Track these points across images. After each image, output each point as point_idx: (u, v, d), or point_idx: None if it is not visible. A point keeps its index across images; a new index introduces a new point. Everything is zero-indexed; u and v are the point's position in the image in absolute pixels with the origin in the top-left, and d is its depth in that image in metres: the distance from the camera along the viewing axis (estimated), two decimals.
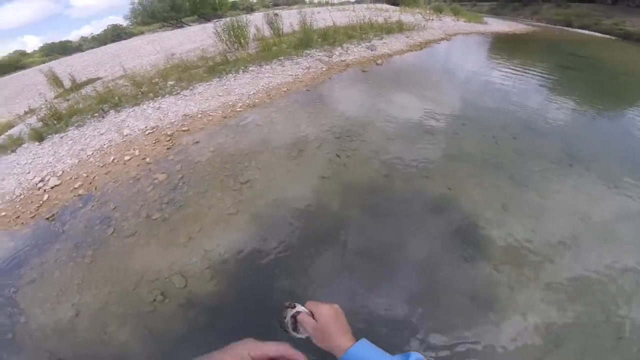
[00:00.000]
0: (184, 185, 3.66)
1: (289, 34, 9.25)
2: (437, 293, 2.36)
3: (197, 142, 4.37)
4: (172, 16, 27.69)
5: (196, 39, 12.73)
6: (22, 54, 51.20)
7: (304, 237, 2.86)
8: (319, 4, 24.06)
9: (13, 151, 5.79)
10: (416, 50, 8.87)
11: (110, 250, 3.14)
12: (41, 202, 4.30)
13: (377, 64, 7.45)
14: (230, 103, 5.27)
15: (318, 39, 8.58)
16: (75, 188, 4.28)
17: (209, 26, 11.00)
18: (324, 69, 6.94)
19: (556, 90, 6.35)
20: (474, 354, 2.02)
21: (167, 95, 5.57)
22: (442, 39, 10.52)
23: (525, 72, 7.32)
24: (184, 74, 6.23)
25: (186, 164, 3.99)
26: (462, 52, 9.99)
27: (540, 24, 19.49)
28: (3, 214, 4.40)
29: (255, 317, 2.27)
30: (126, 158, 4.38)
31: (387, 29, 10.01)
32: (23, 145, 5.75)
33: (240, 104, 5.30)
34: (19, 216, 4.35)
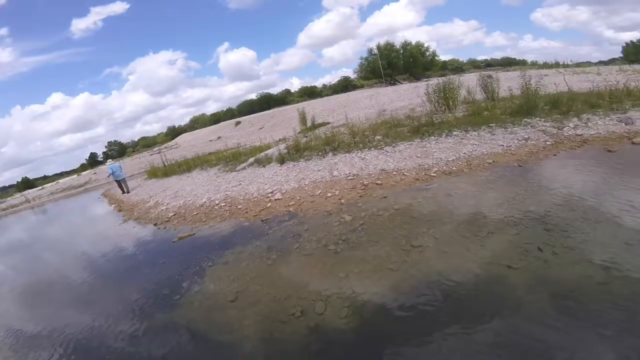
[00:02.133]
0: (362, 230, 4.08)
1: (505, 99, 8.50)
2: None
3: (385, 197, 4.76)
4: (388, 73, 31.63)
5: (405, 97, 13.97)
6: (288, 92, 73.82)
7: (453, 319, 2.52)
8: (547, 66, 20.20)
9: (263, 166, 8.39)
10: None
11: (288, 260, 3.88)
12: (265, 207, 5.95)
13: (632, 142, 5.49)
14: (426, 166, 5.41)
15: (545, 106, 7.37)
16: (288, 205, 5.66)
17: (419, 85, 11.79)
18: (548, 143, 5.85)
19: None
20: None
21: (372, 148, 6.43)
22: None
23: None
24: (390, 131, 6.99)
25: (370, 214, 4.42)
26: None
27: None
28: (239, 206, 6.41)
29: None
30: (328, 194, 5.39)
31: None
32: (271, 164, 8.21)
33: (436, 169, 5.34)
34: (247, 212, 6.19)
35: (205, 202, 7.21)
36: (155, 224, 7.18)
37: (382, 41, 32.49)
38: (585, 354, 2.07)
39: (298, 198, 5.78)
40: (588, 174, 4.73)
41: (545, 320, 2.37)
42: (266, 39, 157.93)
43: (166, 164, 14.73)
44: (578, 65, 19.97)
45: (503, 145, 5.89)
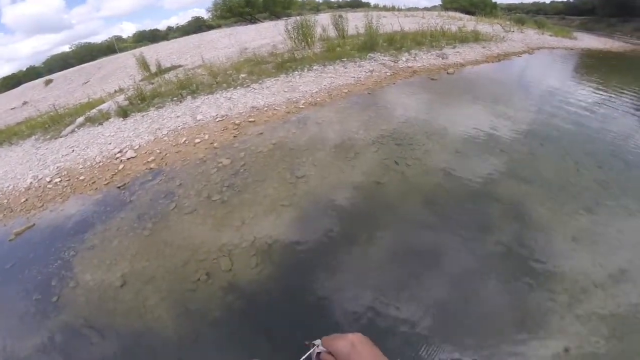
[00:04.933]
0: (245, 172, 3.85)
1: (353, 36, 9.25)
2: (475, 309, 2.20)
3: (261, 134, 4.59)
4: (247, 12, 29.38)
5: (267, 35, 13.36)
6: (119, 39, 58.83)
7: (350, 238, 2.83)
8: (385, 9, 23.41)
9: (100, 124, 6.60)
10: (493, 62, 8.29)
11: (168, 225, 3.32)
12: (116, 171, 4.82)
13: (447, 73, 7.10)
14: (294, 99, 5.47)
15: (384, 43, 8.44)
16: (148, 162, 4.74)
17: (280, 23, 11.41)
18: (388, 74, 6.81)
19: None
20: None
21: (238, 87, 5.98)
22: (523, 52, 9.71)
23: (620, 95, 6.31)
24: (254, 68, 6.60)
25: (249, 153, 4.21)
26: (545, 67, 9.10)
27: None
28: (82, 177, 5.02)
29: (287, 311, 2.29)
30: (196, 141, 4.76)
31: (461, 38, 9.49)
32: (109, 120, 6.54)
33: (303, 102, 5.48)
34: (94, 182, 4.88)
35: (31, 182, 5.24)
36: None
37: None
38: (460, 246, 2.64)
39: (158, 151, 4.89)
40: (419, 97, 5.85)
41: (422, 224, 2.91)
42: None
43: None
44: (409, 9, 23.63)
45: (354, 77, 6.52)
